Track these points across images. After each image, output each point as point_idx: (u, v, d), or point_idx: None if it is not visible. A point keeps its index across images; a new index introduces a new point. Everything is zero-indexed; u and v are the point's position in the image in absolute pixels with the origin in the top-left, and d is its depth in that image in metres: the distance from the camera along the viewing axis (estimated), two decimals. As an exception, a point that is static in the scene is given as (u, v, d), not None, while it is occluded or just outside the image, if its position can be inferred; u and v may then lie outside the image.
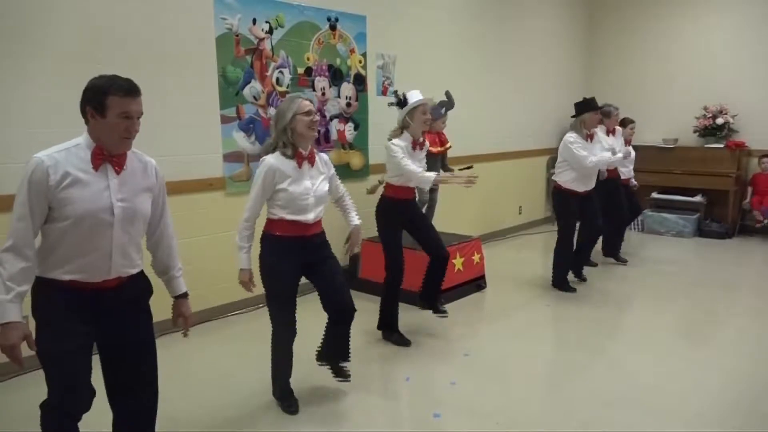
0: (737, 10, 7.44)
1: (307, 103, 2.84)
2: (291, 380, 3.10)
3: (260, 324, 4.33)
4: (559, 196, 5.01)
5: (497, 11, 6.90)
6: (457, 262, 4.86)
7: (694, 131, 7.63)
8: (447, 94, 5.08)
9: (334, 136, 5.17)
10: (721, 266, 6.06)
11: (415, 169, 3.64)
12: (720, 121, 7.40)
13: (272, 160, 2.81)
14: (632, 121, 5.98)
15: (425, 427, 2.93)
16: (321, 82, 5.05)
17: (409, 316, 4.40)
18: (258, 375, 3.43)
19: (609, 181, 5.63)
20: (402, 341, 3.91)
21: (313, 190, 2.87)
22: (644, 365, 3.62)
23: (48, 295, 1.97)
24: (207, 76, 4.25)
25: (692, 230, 7.28)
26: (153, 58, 3.93)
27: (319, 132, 5.07)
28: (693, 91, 7.70)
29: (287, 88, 4.77)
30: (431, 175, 3.69)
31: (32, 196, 1.86)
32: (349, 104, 5.28)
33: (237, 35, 4.40)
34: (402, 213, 3.81)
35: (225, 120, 4.39)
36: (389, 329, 3.97)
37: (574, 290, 5.06)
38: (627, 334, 4.28)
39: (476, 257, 5.11)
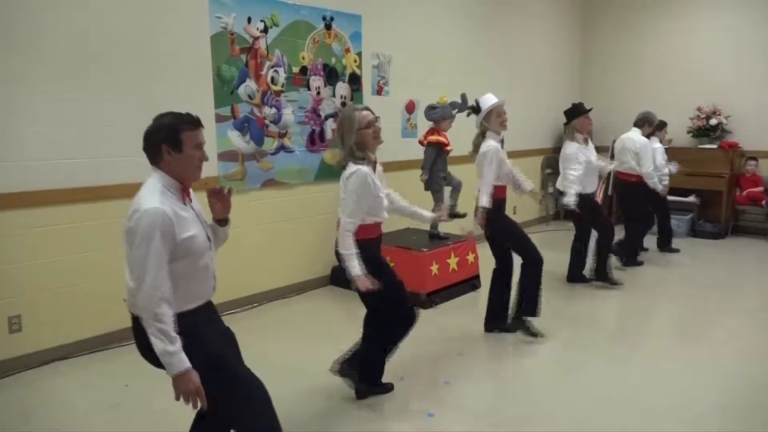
0: (731, 11, 7.47)
1: (365, 113, 2.81)
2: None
3: (258, 323, 4.34)
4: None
5: (492, 11, 6.91)
6: (452, 261, 4.87)
7: (688, 132, 7.66)
8: (462, 96, 5.05)
9: (329, 135, 5.17)
10: (715, 266, 6.09)
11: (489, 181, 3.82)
12: (713, 121, 7.43)
13: (367, 169, 2.79)
14: (665, 124, 6.27)
15: (419, 426, 2.93)
16: (316, 81, 5.04)
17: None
18: (256, 374, 3.43)
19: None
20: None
21: (384, 190, 2.96)
22: (639, 365, 3.64)
23: (192, 328, 1.98)
24: (202, 74, 4.24)
25: (685, 230, 7.31)
26: (147, 56, 3.92)
27: (314, 131, 5.09)
28: (687, 91, 7.73)
29: (282, 87, 4.76)
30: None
31: (163, 244, 1.89)
32: (344, 103, 5.27)
33: (232, 34, 4.39)
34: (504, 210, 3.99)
35: (219, 119, 4.38)
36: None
37: (622, 283, 5.23)
38: (622, 333, 4.30)
39: (471, 257, 5.12)
